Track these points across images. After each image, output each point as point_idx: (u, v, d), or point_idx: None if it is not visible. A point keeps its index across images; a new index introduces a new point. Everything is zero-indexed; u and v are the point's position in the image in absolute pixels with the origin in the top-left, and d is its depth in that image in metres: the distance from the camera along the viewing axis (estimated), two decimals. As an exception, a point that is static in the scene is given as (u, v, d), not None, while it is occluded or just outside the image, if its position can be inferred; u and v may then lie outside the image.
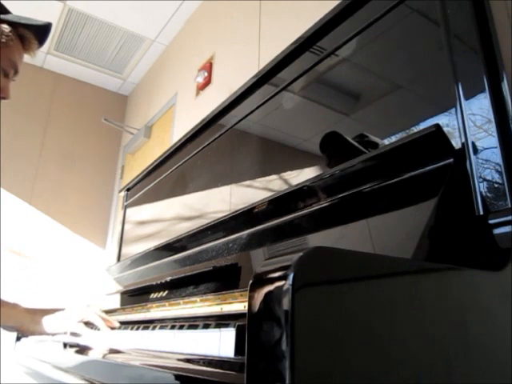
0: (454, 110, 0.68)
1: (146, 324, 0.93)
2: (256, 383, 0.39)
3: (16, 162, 3.08)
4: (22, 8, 2.08)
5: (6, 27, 0.91)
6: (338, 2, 0.94)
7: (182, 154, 1.56)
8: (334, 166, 0.77)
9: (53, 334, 1.03)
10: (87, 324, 1.02)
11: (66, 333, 1.02)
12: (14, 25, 0.93)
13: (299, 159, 1.03)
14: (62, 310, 1.04)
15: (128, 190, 2.05)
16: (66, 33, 3.06)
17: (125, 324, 1.01)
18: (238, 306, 0.73)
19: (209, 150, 1.40)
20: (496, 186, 0.61)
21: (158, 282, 1.11)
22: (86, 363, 0.96)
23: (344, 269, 0.44)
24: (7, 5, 0.95)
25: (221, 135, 1.33)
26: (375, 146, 0.80)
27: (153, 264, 1.46)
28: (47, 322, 1.01)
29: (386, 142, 0.80)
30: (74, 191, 3.27)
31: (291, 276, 0.38)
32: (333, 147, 0.91)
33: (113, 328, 0.99)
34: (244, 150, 1.21)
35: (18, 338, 1.48)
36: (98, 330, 1.00)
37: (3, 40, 0.90)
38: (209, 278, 0.93)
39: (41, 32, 0.98)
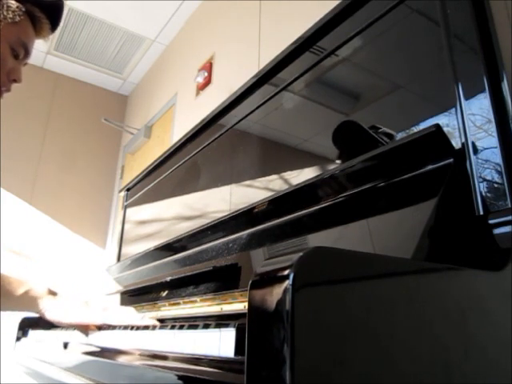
0: (454, 109, 0.68)
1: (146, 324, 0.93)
2: (256, 383, 0.39)
3: (16, 162, 3.08)
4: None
5: (12, 2, 0.87)
6: (337, 2, 0.94)
7: (182, 154, 1.56)
8: (348, 157, 0.76)
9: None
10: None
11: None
12: (22, 1, 0.88)
13: (299, 159, 1.03)
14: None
15: (128, 189, 2.05)
16: (66, 33, 3.06)
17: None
18: (238, 305, 0.73)
19: (209, 150, 1.40)
20: (496, 186, 0.61)
21: (158, 282, 1.11)
22: (86, 363, 0.96)
23: (344, 269, 0.44)
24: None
25: (221, 135, 1.33)
26: (390, 136, 0.80)
27: (153, 264, 1.46)
28: (71, 309, 0.93)
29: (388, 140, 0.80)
30: (74, 191, 3.27)
31: (292, 276, 0.38)
32: (350, 137, 0.90)
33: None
34: (244, 150, 1.21)
35: (18, 338, 1.48)
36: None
37: (10, 15, 0.86)
38: (209, 278, 0.93)
39: (52, 11, 0.94)
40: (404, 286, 0.48)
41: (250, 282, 0.43)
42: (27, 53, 0.94)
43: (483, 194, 0.62)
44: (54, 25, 0.96)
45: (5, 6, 0.86)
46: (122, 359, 0.80)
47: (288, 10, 1.78)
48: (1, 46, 0.87)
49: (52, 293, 0.94)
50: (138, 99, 3.58)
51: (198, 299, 0.86)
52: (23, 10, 0.89)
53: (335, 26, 0.96)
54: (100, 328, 0.94)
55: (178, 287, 1.01)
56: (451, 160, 0.63)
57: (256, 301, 0.41)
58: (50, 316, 0.92)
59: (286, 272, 0.39)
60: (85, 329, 0.94)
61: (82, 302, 0.95)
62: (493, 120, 0.63)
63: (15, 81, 0.93)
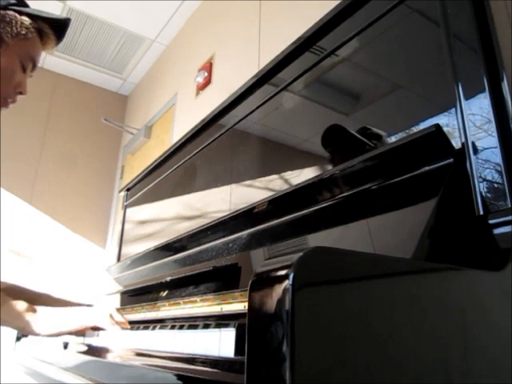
0: (453, 110, 0.68)
1: (146, 324, 0.93)
2: (256, 383, 0.39)
3: (16, 162, 3.08)
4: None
5: (25, 19, 0.90)
6: (337, 2, 0.94)
7: (182, 154, 1.56)
8: (338, 161, 0.77)
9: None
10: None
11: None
12: (34, 18, 0.92)
13: (299, 159, 1.03)
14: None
15: (128, 189, 2.05)
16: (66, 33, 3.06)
17: (125, 324, 1.01)
18: (238, 305, 0.73)
19: (209, 150, 1.40)
20: (496, 185, 0.61)
21: (158, 282, 1.11)
22: (86, 363, 0.96)
23: (344, 269, 0.44)
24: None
25: (221, 135, 1.33)
26: (379, 137, 0.80)
27: (153, 264, 1.46)
28: (63, 318, 0.95)
29: (388, 139, 0.80)
30: (74, 191, 3.26)
31: (291, 276, 0.38)
32: (337, 141, 0.91)
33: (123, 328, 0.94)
34: (244, 150, 1.21)
35: (18, 338, 1.48)
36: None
37: (23, 32, 0.89)
38: (209, 278, 0.93)
39: (59, 27, 0.97)
40: (404, 286, 0.48)
41: (250, 281, 0.43)
42: (34, 66, 0.97)
43: (483, 194, 0.62)
44: (59, 39, 1.00)
45: (18, 22, 0.89)
46: (121, 359, 0.80)
47: (288, 10, 1.78)
48: (12, 61, 0.91)
49: (31, 309, 0.95)
50: (138, 99, 3.58)
51: (198, 299, 0.86)
52: (35, 26, 0.92)
53: (335, 26, 0.96)
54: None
55: (177, 287, 1.01)
56: (451, 160, 0.63)
57: (256, 301, 0.41)
58: (30, 330, 0.93)
59: (286, 272, 0.39)
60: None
61: (62, 313, 0.95)
62: (493, 120, 0.63)
63: (21, 93, 0.97)
